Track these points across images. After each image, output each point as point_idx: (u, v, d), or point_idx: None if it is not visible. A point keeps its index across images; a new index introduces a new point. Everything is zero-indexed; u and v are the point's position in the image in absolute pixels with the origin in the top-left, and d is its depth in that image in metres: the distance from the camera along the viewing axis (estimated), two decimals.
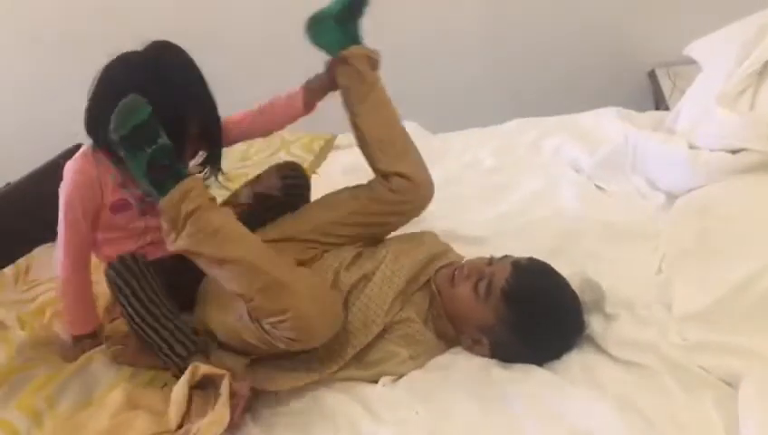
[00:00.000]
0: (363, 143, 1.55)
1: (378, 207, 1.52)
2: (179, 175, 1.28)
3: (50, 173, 2.06)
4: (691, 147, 1.63)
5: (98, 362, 1.45)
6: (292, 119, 1.63)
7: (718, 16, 1.97)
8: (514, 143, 2.12)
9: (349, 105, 1.55)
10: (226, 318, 1.36)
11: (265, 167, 2.21)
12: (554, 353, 1.31)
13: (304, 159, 2.25)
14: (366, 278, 1.38)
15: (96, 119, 1.38)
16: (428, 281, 1.43)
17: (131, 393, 1.36)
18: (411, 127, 2.26)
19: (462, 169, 2.03)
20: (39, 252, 1.89)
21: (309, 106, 1.60)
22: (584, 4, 2.83)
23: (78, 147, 2.18)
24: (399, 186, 1.51)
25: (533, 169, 1.94)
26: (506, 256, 1.39)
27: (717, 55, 1.81)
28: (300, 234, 1.51)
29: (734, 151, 1.54)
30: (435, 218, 1.67)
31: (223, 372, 1.28)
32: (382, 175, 1.53)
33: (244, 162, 2.32)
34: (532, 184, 1.87)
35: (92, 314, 1.52)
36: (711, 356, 1.21)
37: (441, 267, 1.45)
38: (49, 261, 1.77)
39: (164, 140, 1.25)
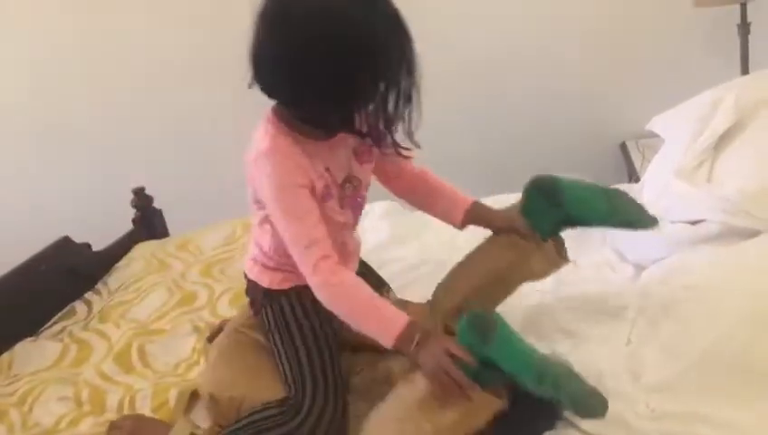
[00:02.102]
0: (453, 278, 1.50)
1: None
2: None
3: (31, 269, 2.11)
4: None
5: None
6: (439, 216, 1.54)
7: (685, 90, 2.06)
8: None
9: (486, 253, 1.48)
10: None
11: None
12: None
13: None
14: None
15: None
16: None
17: None
18: (392, 206, 2.34)
19: (439, 246, 2.07)
20: (20, 347, 1.90)
21: (463, 224, 1.51)
22: (559, 79, 2.95)
23: (65, 241, 2.27)
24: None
25: None
26: None
27: (676, 130, 1.89)
28: None
29: (694, 222, 1.59)
30: (411, 298, 1.69)
31: None
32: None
33: (230, 246, 2.36)
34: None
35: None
36: (678, 427, 1.22)
37: None
38: (29, 356, 1.80)
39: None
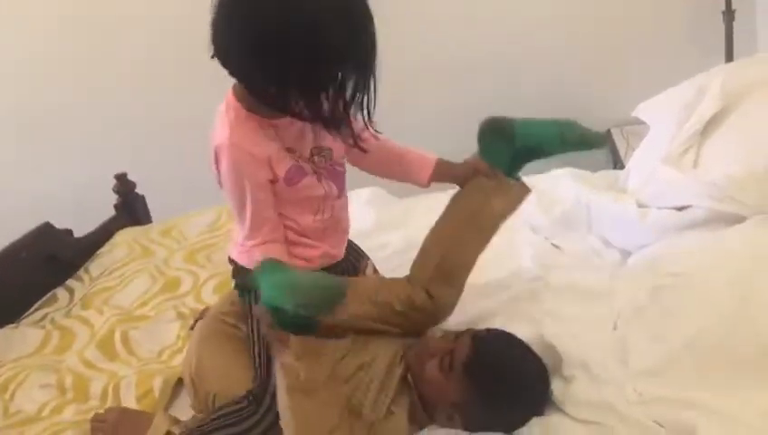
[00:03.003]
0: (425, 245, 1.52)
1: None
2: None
3: (12, 255, 2.08)
4: (640, 205, 1.69)
5: None
6: (407, 181, 1.57)
7: (669, 77, 2.07)
8: None
9: (452, 205, 1.52)
10: None
11: None
12: (521, 421, 1.32)
13: None
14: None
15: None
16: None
17: None
18: (377, 193, 2.33)
19: (423, 232, 2.06)
20: (2, 334, 1.88)
21: (430, 182, 1.55)
22: (543, 67, 2.95)
23: (46, 227, 2.23)
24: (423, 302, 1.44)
25: None
26: (468, 330, 1.40)
27: (662, 116, 1.90)
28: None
29: (680, 208, 1.60)
30: None
31: None
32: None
33: (214, 232, 2.34)
34: (491, 244, 1.90)
35: None
36: (666, 411, 1.23)
37: (408, 350, 1.43)
38: (10, 343, 1.77)
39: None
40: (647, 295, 1.46)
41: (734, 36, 2.63)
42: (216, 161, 1.36)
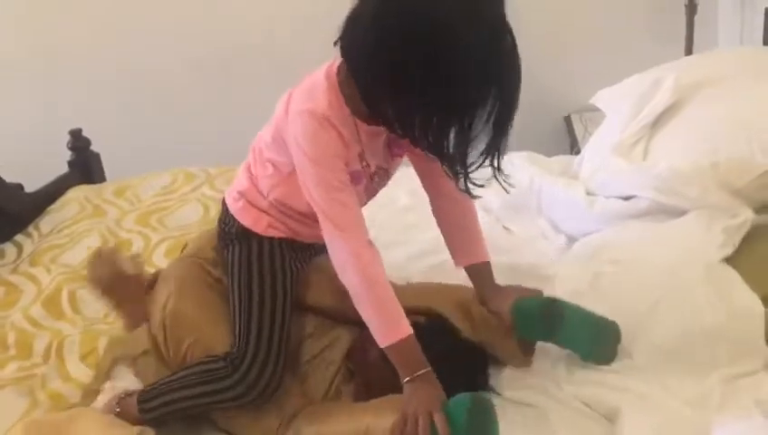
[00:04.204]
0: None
1: None
2: None
3: None
4: (589, 193, 1.74)
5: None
6: (448, 245, 1.49)
7: (631, 66, 2.10)
8: None
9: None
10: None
11: (190, 201, 2.25)
12: None
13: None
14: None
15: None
16: None
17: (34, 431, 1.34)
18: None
19: (378, 209, 2.08)
20: None
21: (462, 266, 1.47)
22: None
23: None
24: None
25: None
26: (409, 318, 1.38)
27: (617, 106, 1.93)
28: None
29: (626, 198, 1.64)
30: None
31: None
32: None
33: (168, 195, 2.33)
34: None
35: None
36: (594, 393, 1.28)
37: (352, 342, 1.43)
38: None
39: None
40: (586, 281, 1.51)
41: (695, 29, 2.67)
42: (294, 123, 1.25)
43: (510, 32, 1.12)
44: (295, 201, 1.33)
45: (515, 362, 1.39)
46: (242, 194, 1.42)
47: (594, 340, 1.34)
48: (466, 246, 1.46)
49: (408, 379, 1.21)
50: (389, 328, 1.23)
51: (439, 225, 1.51)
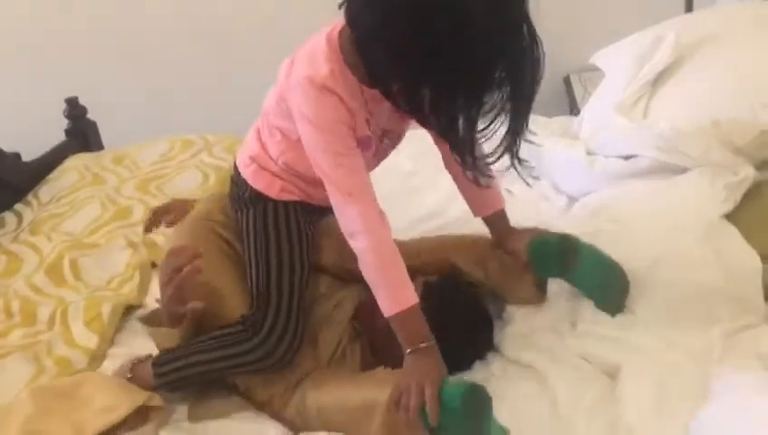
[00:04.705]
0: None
1: None
2: None
3: None
4: (589, 153, 1.73)
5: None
6: (466, 200, 1.50)
7: (630, 24, 2.08)
8: (432, 147, 2.18)
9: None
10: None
11: (189, 168, 2.24)
12: (464, 365, 1.36)
13: (226, 160, 2.26)
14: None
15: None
16: None
17: (40, 397, 1.35)
18: None
19: (383, 174, 2.07)
20: None
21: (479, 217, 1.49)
22: None
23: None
24: None
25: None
26: (419, 277, 1.39)
27: (617, 65, 1.92)
28: None
29: (627, 157, 1.64)
30: None
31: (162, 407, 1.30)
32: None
33: (166, 163, 2.32)
34: (447, 186, 1.93)
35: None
36: (595, 347, 1.29)
37: (360, 303, 1.44)
38: None
39: None
40: (586, 239, 1.51)
41: None
42: (295, 92, 1.23)
43: (530, 24, 1.08)
44: (305, 166, 1.31)
45: (532, 299, 1.41)
46: (253, 159, 1.41)
47: (605, 282, 1.35)
48: (484, 198, 1.47)
49: (410, 350, 1.20)
50: (395, 297, 1.22)
51: (453, 178, 1.50)
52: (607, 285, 1.36)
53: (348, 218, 1.24)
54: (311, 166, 1.27)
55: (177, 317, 1.34)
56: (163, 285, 1.36)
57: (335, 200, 1.24)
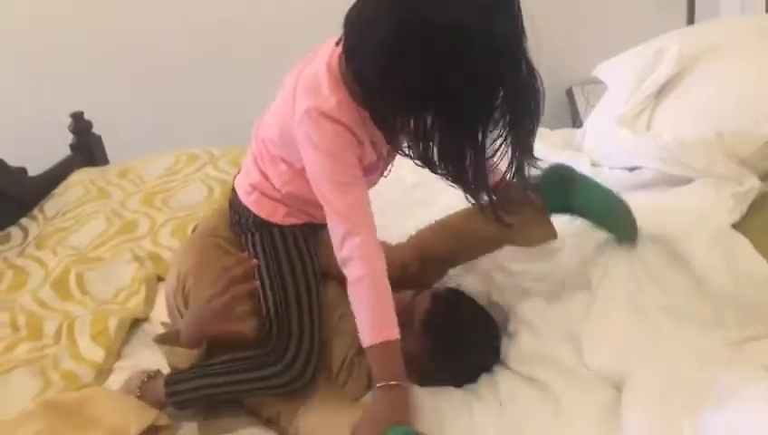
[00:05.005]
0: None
1: None
2: None
3: None
4: (593, 164, 1.74)
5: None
6: None
7: (632, 37, 2.09)
8: None
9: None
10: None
11: (194, 182, 2.24)
12: (472, 376, 1.37)
13: (231, 174, 2.26)
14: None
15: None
16: None
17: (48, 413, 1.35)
18: None
19: (385, 187, 2.08)
20: None
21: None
22: None
23: (1, 164, 2.18)
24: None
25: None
26: (426, 291, 1.43)
27: (620, 77, 1.92)
28: None
29: (631, 169, 1.64)
30: None
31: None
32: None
33: (171, 176, 2.33)
34: (450, 199, 1.93)
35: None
36: (599, 356, 1.29)
37: None
38: None
39: None
40: (594, 249, 1.52)
41: (696, 0, 2.66)
42: (302, 123, 1.22)
43: (529, 64, 1.14)
44: (311, 194, 1.29)
45: (546, 234, 1.46)
46: (254, 187, 1.41)
47: (608, 203, 1.43)
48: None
49: (379, 385, 1.20)
50: (380, 328, 1.21)
51: None
52: (612, 209, 1.42)
53: (347, 248, 1.22)
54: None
55: (199, 339, 1.34)
56: (207, 300, 1.32)
57: (335, 229, 1.23)
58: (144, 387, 1.35)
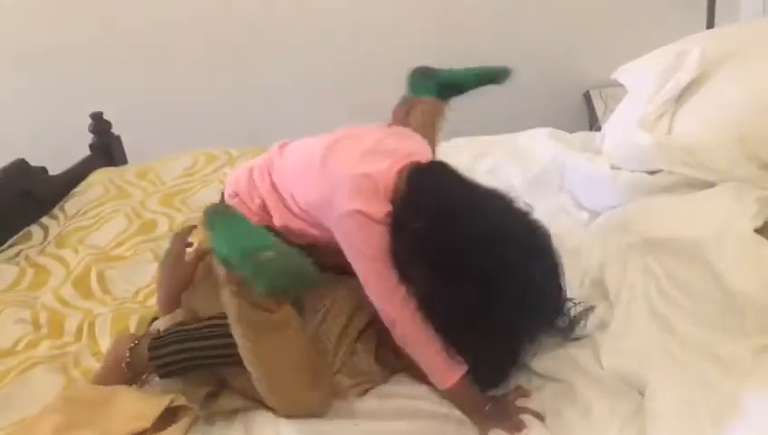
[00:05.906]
0: None
1: None
2: None
3: None
4: (613, 167, 1.72)
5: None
6: None
7: (651, 41, 2.09)
8: (451, 162, 2.18)
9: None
10: None
11: (212, 182, 2.26)
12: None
13: None
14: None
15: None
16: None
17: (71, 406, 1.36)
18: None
19: None
20: None
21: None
22: (525, 28, 2.95)
23: (21, 164, 2.21)
24: None
25: None
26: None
27: (640, 80, 1.92)
28: None
29: (651, 172, 1.63)
30: None
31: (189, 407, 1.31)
32: None
33: (190, 177, 2.35)
34: None
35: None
36: (622, 363, 1.28)
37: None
38: None
39: None
40: (613, 252, 1.50)
41: (716, 2, 2.64)
42: (348, 225, 1.30)
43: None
44: (304, 235, 1.42)
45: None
46: (239, 196, 1.52)
47: (467, 69, 1.76)
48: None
49: (477, 417, 1.27)
50: (445, 373, 1.29)
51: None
52: (472, 69, 1.75)
53: (396, 330, 1.30)
54: (324, 234, 1.37)
55: (170, 296, 1.48)
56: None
57: (383, 311, 1.31)
58: (134, 351, 1.36)
